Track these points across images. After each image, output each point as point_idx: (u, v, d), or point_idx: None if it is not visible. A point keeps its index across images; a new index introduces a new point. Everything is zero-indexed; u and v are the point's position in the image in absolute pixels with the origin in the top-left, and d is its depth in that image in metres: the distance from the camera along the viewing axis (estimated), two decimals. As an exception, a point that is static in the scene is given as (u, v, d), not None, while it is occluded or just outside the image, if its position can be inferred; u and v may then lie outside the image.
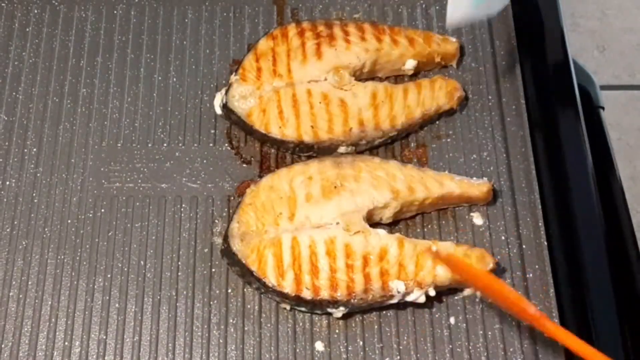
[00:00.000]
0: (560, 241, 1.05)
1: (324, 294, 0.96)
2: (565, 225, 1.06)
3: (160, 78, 1.16)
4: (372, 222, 1.03)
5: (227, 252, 1.01)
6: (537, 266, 1.03)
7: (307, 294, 0.96)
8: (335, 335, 0.99)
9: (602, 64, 1.74)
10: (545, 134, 1.12)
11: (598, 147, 1.14)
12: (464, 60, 1.17)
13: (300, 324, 1.00)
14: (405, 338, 0.99)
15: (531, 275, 1.03)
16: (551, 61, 1.18)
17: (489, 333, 0.99)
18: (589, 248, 1.03)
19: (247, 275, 0.99)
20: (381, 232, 1.00)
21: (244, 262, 0.98)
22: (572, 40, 1.21)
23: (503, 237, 1.05)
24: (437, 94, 1.10)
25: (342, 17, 1.19)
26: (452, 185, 1.04)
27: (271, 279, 0.97)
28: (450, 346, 0.99)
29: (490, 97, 1.14)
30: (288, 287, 0.97)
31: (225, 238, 1.01)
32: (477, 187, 1.05)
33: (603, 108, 1.24)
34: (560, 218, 1.06)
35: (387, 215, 1.03)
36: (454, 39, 1.15)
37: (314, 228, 0.99)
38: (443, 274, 0.97)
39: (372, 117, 1.07)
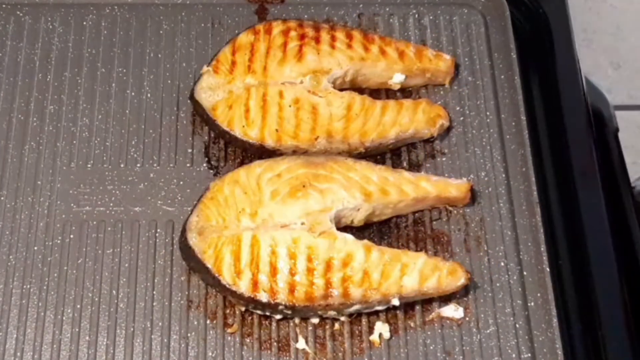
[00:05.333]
0: (567, 269, 1.04)
1: (282, 298, 0.94)
2: (573, 254, 1.04)
3: (133, 94, 1.13)
4: (343, 225, 1.01)
5: (183, 246, 0.99)
6: (539, 294, 1.02)
7: (263, 297, 0.95)
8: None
9: (616, 82, 1.71)
10: (553, 157, 1.11)
11: (612, 172, 1.12)
12: (460, 73, 1.16)
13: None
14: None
15: (533, 304, 1.01)
16: (561, 79, 1.16)
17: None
18: (599, 278, 1.02)
19: (202, 271, 0.98)
20: (349, 237, 0.98)
21: (199, 257, 0.97)
22: (584, 56, 1.23)
23: (502, 263, 1.04)
24: (417, 117, 1.08)
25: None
26: (428, 186, 1.03)
27: (227, 278, 0.96)
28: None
29: (488, 113, 1.13)
30: (244, 288, 0.95)
31: (183, 231, 1.00)
32: (456, 186, 1.03)
33: (618, 130, 1.23)
34: (567, 246, 1.05)
35: (358, 217, 1.02)
36: (448, 57, 1.13)
37: (278, 227, 0.98)
38: (409, 285, 0.96)
39: (341, 129, 1.05)
